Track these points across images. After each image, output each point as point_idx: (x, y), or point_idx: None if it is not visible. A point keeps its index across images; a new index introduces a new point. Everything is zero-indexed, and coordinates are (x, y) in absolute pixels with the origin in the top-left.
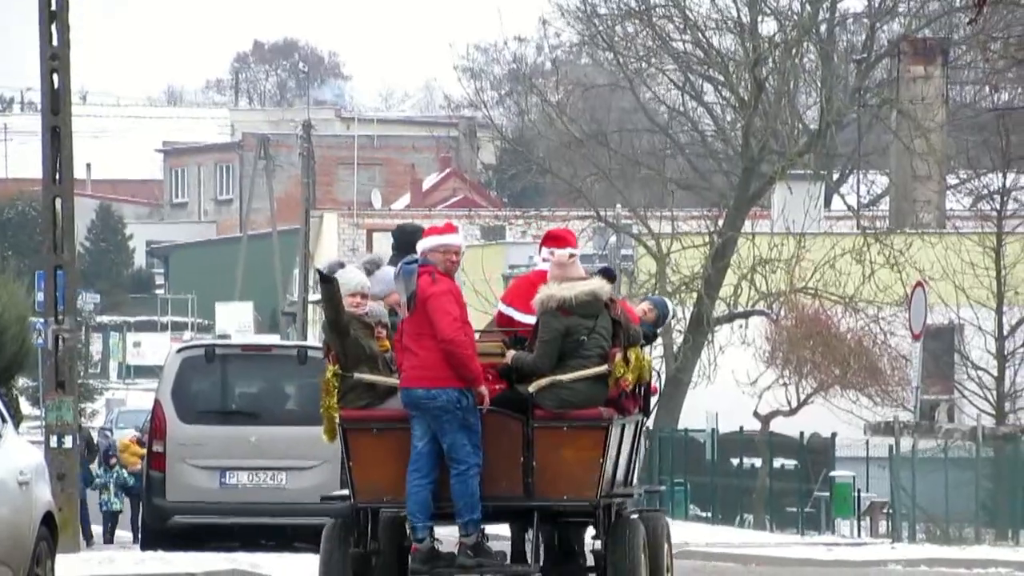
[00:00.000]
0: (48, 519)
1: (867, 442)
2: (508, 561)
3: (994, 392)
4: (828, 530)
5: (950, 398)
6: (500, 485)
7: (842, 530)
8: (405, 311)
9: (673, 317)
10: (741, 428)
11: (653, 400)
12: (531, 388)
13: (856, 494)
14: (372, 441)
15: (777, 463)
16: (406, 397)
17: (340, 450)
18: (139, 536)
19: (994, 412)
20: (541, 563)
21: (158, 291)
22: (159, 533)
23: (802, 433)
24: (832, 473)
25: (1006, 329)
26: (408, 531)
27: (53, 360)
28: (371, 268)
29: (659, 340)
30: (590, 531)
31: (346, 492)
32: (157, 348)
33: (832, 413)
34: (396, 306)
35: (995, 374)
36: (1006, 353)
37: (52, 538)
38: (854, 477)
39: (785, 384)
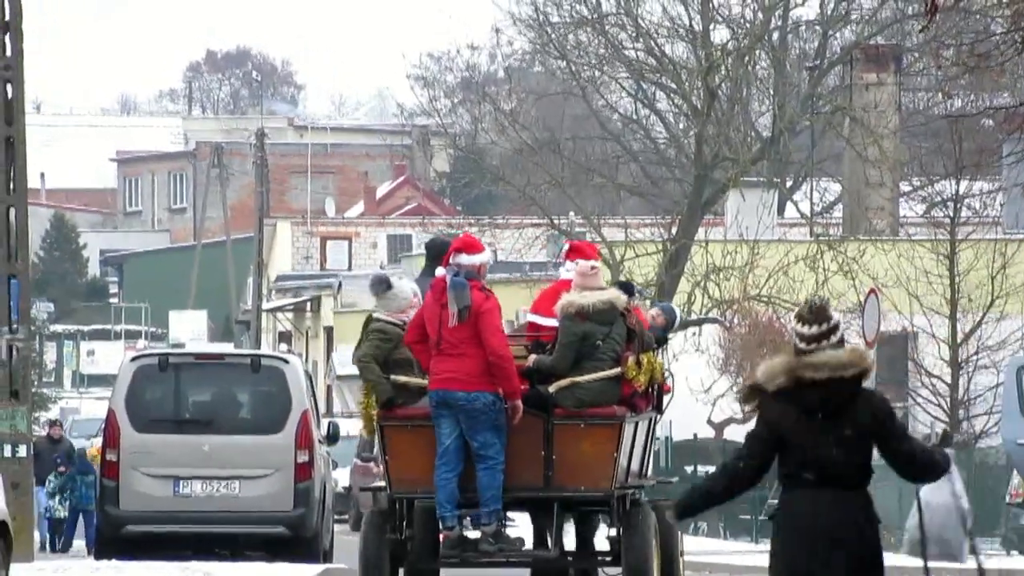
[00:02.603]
0: (2, 528)
1: None
2: (527, 547)
3: (948, 399)
4: None
5: (904, 405)
6: (523, 477)
7: None
8: (455, 320)
9: (681, 322)
10: (695, 435)
11: (666, 399)
12: (551, 388)
13: None
14: (406, 436)
15: None
16: (440, 397)
17: (377, 445)
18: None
19: (948, 419)
20: (561, 550)
21: (112, 300)
22: (113, 542)
23: None
24: None
25: (960, 336)
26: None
27: (7, 369)
28: (378, 290)
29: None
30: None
31: (383, 483)
32: (111, 357)
33: None
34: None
35: (949, 381)
36: (960, 360)
37: (6, 547)
38: None
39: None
